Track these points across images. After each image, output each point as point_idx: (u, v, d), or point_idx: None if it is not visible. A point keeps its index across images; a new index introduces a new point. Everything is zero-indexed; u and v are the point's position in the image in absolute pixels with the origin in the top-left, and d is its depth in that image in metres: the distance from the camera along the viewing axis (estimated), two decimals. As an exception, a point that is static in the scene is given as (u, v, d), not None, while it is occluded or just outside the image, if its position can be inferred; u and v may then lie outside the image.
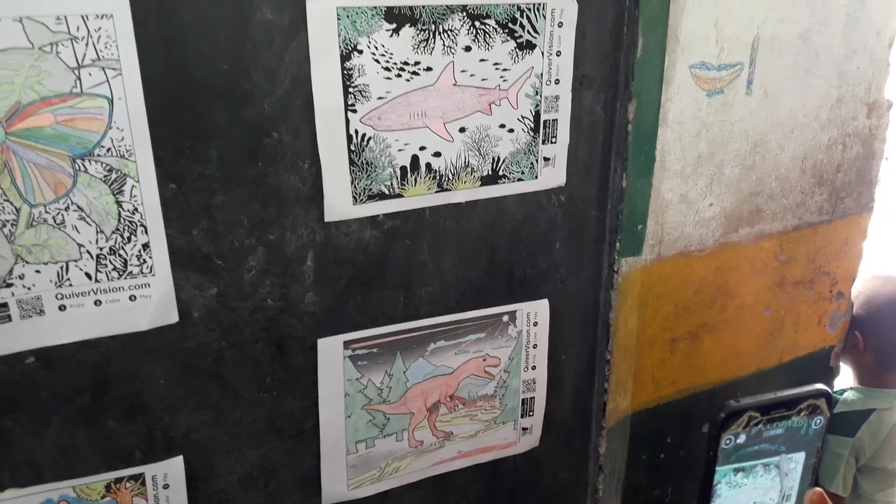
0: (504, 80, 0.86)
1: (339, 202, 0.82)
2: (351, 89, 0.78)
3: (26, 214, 0.68)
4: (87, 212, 0.70)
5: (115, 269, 0.73)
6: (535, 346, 1.02)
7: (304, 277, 0.83)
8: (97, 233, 0.71)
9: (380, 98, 0.80)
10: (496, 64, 0.85)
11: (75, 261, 0.71)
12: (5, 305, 0.70)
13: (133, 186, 0.71)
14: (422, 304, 0.92)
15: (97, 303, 0.73)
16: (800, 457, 1.07)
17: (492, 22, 0.83)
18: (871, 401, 1.35)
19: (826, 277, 1.27)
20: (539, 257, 0.98)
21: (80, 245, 0.71)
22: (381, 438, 0.96)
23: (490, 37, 0.84)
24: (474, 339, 0.98)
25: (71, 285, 0.72)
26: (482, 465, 1.06)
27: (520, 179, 0.92)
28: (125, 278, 0.74)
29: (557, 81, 0.90)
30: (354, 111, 0.79)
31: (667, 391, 1.17)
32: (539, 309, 1.00)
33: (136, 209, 0.72)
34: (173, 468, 0.82)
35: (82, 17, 0.65)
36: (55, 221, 0.69)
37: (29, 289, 0.70)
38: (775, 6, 1.01)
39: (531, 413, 1.06)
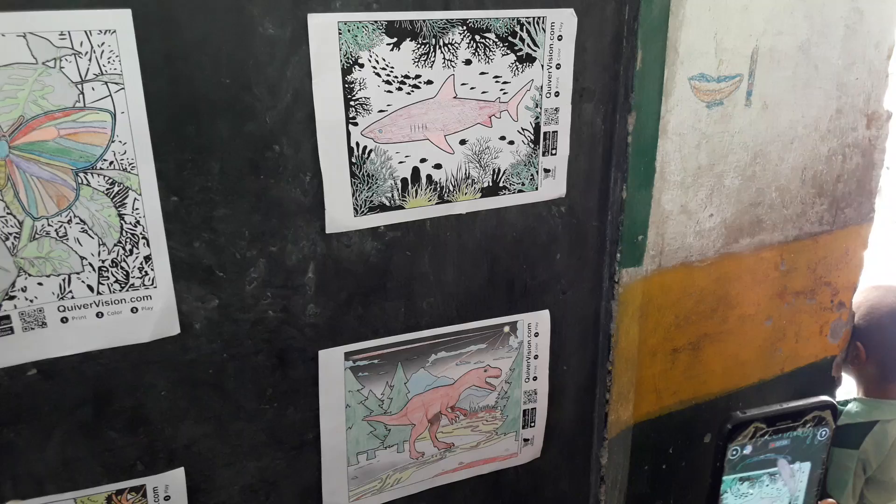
0: (504, 93, 0.87)
1: (341, 214, 0.82)
2: (352, 102, 0.79)
3: (29, 227, 0.69)
4: (89, 224, 0.71)
5: (117, 281, 0.74)
6: (536, 357, 1.02)
7: (306, 289, 0.84)
8: (99, 245, 0.72)
9: (381, 111, 0.81)
10: (496, 77, 0.86)
11: (77, 273, 0.72)
12: (8, 318, 0.70)
13: (135, 199, 0.72)
14: (423, 315, 0.92)
15: (99, 315, 0.74)
16: (805, 467, 1.07)
17: (492, 35, 0.84)
18: (875, 412, 1.35)
19: (827, 287, 1.27)
20: (540, 268, 0.98)
21: (82, 257, 0.72)
22: (382, 450, 0.96)
23: (490, 50, 0.84)
24: (475, 350, 0.98)
25: (73, 297, 0.72)
26: (483, 476, 1.06)
27: (520, 191, 0.92)
28: (127, 290, 0.74)
29: (557, 94, 0.90)
30: (355, 124, 0.80)
31: (668, 402, 1.17)
32: (540, 320, 1.01)
33: (138, 222, 0.73)
34: (174, 480, 0.82)
35: (86, 32, 0.65)
36: (58, 234, 0.70)
37: (31, 301, 0.71)
38: (774, 18, 1.02)
39: (532, 424, 1.06)
